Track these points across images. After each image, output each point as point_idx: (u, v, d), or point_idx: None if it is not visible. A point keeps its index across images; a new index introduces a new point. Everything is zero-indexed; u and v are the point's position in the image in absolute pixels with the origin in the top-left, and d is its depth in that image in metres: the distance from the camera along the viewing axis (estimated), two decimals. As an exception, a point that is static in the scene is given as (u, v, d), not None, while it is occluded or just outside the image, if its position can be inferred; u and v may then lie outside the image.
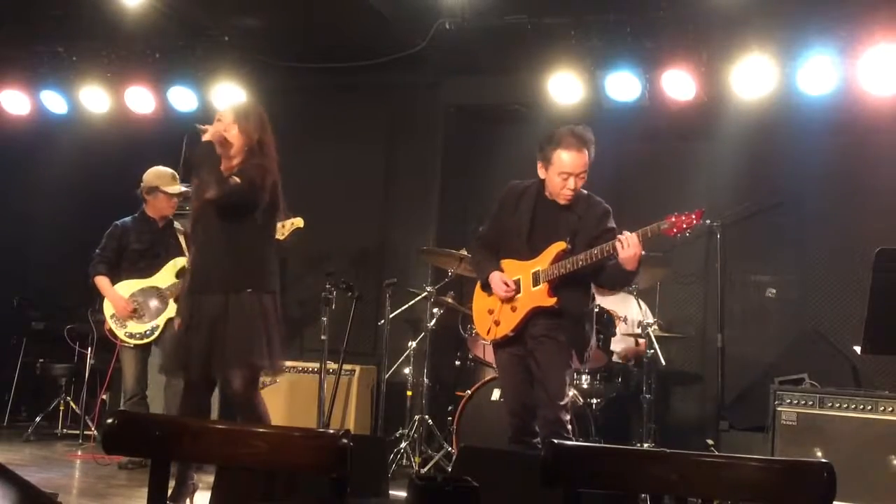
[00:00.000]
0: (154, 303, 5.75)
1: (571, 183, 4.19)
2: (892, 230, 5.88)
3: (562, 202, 4.26)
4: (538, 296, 4.22)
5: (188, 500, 4.34)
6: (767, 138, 6.63)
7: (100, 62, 7.31)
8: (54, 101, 7.65)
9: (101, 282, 5.78)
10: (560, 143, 4.19)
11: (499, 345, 4.39)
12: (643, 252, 4.03)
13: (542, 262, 4.24)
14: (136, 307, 5.73)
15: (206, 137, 4.16)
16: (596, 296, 4.50)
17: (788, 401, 5.15)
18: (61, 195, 7.99)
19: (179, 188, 5.80)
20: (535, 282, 4.23)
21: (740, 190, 6.64)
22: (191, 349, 4.16)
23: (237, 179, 4.14)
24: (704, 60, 6.13)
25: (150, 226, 5.93)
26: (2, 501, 1.86)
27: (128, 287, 5.79)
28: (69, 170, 7.77)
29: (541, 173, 4.29)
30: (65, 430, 7.02)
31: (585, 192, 4.33)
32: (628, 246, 3.97)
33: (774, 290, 6.70)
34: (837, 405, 5.03)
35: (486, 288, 4.43)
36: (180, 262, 5.78)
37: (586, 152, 4.20)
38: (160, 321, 5.71)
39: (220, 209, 4.14)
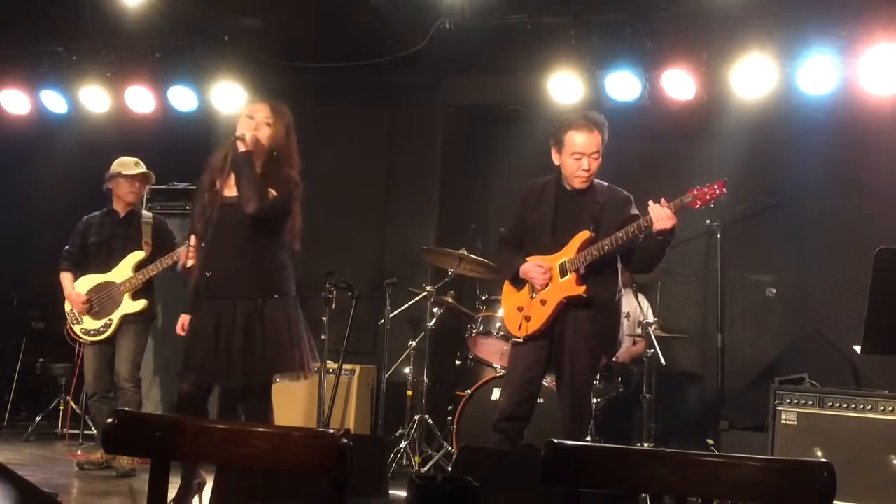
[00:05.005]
0: (109, 298, 5.63)
1: (585, 163, 4.22)
2: (892, 230, 5.88)
3: (578, 185, 4.27)
4: (567, 286, 4.22)
5: (196, 498, 4.32)
6: (767, 138, 6.63)
7: (100, 62, 7.30)
8: (54, 101, 7.64)
9: (62, 279, 5.74)
10: (571, 126, 4.25)
11: (528, 339, 4.33)
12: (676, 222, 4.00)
13: (568, 252, 4.25)
14: (92, 303, 5.64)
15: (243, 147, 4.07)
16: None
17: (788, 400, 5.15)
18: (61, 195, 7.96)
19: (139, 169, 5.72)
20: (563, 273, 4.23)
21: (740, 190, 6.60)
22: (218, 357, 4.05)
23: (274, 192, 4.09)
24: (704, 60, 6.13)
25: (112, 218, 5.81)
26: (2, 501, 1.86)
27: (86, 283, 5.70)
28: (69, 170, 7.74)
29: (555, 159, 4.31)
30: (65, 430, 7.01)
31: (605, 183, 4.35)
32: (661, 219, 3.96)
33: (774, 290, 6.70)
34: (837, 405, 5.03)
35: (516, 282, 4.42)
36: (137, 256, 5.66)
37: (598, 133, 4.24)
38: (114, 317, 5.60)
39: (257, 220, 4.08)
